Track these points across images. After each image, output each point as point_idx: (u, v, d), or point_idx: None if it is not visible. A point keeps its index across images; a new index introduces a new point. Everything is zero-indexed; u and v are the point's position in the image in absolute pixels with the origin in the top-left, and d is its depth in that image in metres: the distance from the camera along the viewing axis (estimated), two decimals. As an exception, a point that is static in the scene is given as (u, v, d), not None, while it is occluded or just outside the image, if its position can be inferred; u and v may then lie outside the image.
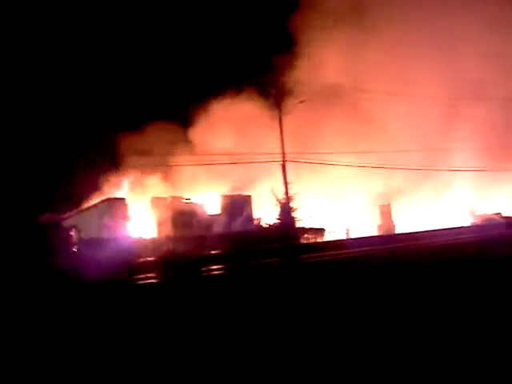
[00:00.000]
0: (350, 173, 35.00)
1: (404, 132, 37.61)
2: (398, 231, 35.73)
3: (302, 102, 32.71)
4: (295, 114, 34.39)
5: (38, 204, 28.49)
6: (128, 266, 19.61)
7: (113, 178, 33.45)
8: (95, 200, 31.07)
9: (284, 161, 32.13)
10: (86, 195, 32.62)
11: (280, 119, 32.04)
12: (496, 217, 37.34)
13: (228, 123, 36.71)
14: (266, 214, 33.15)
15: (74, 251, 25.34)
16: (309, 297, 9.60)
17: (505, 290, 8.20)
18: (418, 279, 10.57)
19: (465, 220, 38.11)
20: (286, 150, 31.90)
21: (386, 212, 37.33)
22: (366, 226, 36.00)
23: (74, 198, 31.21)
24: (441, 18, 38.38)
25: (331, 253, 21.75)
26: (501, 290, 8.30)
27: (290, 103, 33.96)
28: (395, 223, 37.24)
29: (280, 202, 31.89)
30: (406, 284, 10.12)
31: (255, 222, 32.66)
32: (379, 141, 35.96)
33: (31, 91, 32.08)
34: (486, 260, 12.82)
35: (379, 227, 36.71)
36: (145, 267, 19.35)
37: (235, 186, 34.52)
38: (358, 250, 20.89)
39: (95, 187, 33.64)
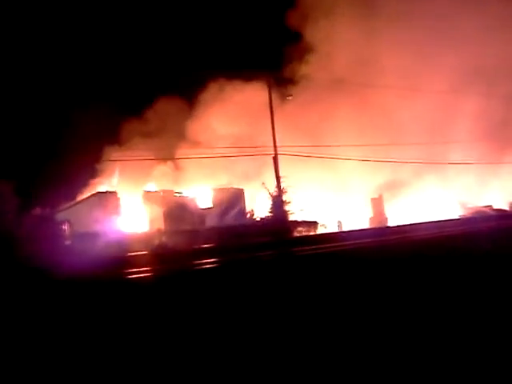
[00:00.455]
0: (344, 166, 35.29)
1: (402, 125, 37.89)
2: (389, 224, 35.92)
3: (290, 95, 32.88)
4: (299, 106, 34.72)
5: (30, 196, 28.38)
6: (117, 260, 19.62)
7: (105, 171, 33.44)
8: (86, 194, 31.05)
9: (276, 154, 32.22)
10: (78, 188, 32.61)
11: (271, 111, 32.03)
12: (486, 209, 37.61)
13: (228, 113, 36.86)
14: (260, 207, 33.27)
15: (67, 245, 25.39)
16: (301, 289, 9.66)
17: (479, 283, 8.30)
18: (396, 273, 10.68)
19: (456, 213, 38.35)
20: (290, 143, 31.92)
21: (377, 205, 37.55)
22: (359, 219, 36.23)
23: (65, 191, 31.15)
24: (446, 16, 38.57)
25: (322, 246, 21.84)
26: (475, 283, 8.41)
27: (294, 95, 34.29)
28: (387, 216, 37.43)
29: (272, 196, 31.97)
30: (386, 277, 10.22)
31: (248, 216, 32.72)
32: (378, 134, 36.25)
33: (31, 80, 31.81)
34: (469, 253, 12.94)
35: (371, 220, 36.91)
36: (135, 261, 19.36)
37: (231, 180, 34.60)
38: (347, 242, 21.01)
39: (87, 180, 33.66)
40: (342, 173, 35.64)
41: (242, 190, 33.96)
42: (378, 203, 37.65)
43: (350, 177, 36.56)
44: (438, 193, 39.37)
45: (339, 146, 32.74)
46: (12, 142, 29.54)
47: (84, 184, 32.75)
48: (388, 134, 36.39)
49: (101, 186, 32.85)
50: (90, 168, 33.35)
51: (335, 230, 34.27)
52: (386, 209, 37.93)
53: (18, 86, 31.16)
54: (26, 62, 31.94)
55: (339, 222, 35.16)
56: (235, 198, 33.09)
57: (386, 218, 37.11)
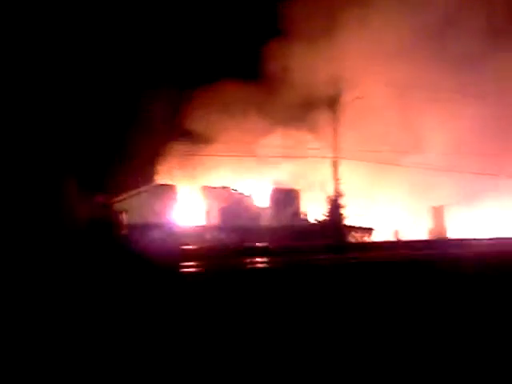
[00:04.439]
0: (404, 173, 34.29)
1: (469, 135, 36.43)
2: (449, 236, 34.58)
3: (359, 98, 31.89)
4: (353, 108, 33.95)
5: (92, 185, 29.20)
6: (172, 252, 19.88)
7: (165, 164, 33.96)
8: (146, 185, 31.66)
9: (336, 157, 31.64)
10: (139, 179, 33.23)
11: (335, 115, 31.47)
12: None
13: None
14: (314, 209, 32.90)
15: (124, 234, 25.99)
16: (351, 297, 9.33)
17: None
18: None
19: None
20: (353, 145, 31.37)
21: (438, 215, 36.15)
22: (417, 229, 35.09)
23: (127, 182, 31.83)
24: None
25: (375, 254, 21.26)
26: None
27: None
28: (447, 227, 36.04)
29: (329, 199, 31.49)
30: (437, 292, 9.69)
31: (302, 217, 32.43)
32: (439, 143, 35.13)
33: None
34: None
35: (430, 231, 35.63)
36: (188, 255, 19.53)
37: (286, 179, 34.36)
38: (404, 252, 20.33)
39: (149, 172, 34.24)
40: (406, 180, 34.55)
41: (299, 191, 33.65)
42: (438, 213, 36.28)
43: (414, 185, 35.38)
44: (505, 208, 37.44)
45: (396, 152, 31.76)
46: (76, 130, 30.33)
47: (145, 175, 33.32)
48: (448, 143, 35.06)
49: (161, 177, 33.40)
50: (151, 159, 33.90)
51: (392, 238, 33.37)
52: (448, 220, 36.49)
53: (79, 73, 31.90)
54: (87, 50, 32.61)
55: (396, 230, 34.19)
56: (291, 199, 32.84)
57: (446, 230, 35.72)
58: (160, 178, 33.31)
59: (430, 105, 35.75)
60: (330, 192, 31.50)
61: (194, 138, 33.68)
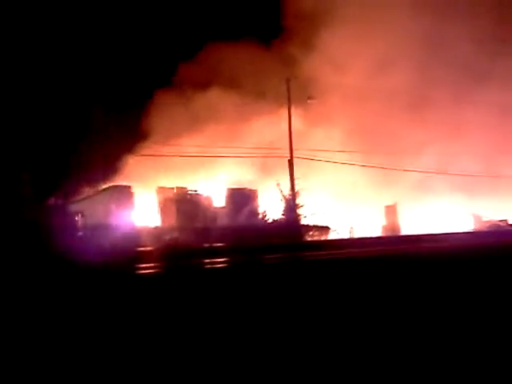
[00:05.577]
0: (358, 172, 35.25)
1: (415, 135, 37.71)
2: (402, 232, 35.75)
3: (310, 98, 32.68)
4: (309, 110, 34.64)
5: (49, 187, 28.75)
6: (128, 254, 19.88)
7: (121, 165, 33.78)
8: (102, 186, 31.45)
9: (292, 157, 32.32)
10: (96, 181, 32.93)
11: (289, 115, 32.15)
12: (502, 223, 37.15)
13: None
14: (272, 208, 33.35)
15: (79, 236, 25.80)
16: (306, 295, 9.68)
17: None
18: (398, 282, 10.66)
19: (470, 225, 37.97)
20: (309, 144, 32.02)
21: (391, 213, 37.35)
22: (372, 226, 36.11)
23: (84, 183, 31.49)
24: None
25: (333, 252, 21.81)
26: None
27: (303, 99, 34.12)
28: (400, 224, 37.24)
29: (285, 198, 32.07)
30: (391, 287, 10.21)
31: (260, 217, 32.84)
32: (392, 142, 36.20)
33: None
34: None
35: (384, 228, 36.77)
36: (145, 256, 19.56)
37: (243, 179, 34.68)
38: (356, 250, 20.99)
39: (107, 173, 33.94)
40: (353, 179, 35.59)
41: (256, 190, 34.04)
42: (391, 211, 37.47)
43: (367, 184, 36.45)
44: (455, 204, 38.97)
45: (352, 152, 32.68)
46: (30, 131, 29.83)
47: (101, 176, 33.07)
48: (398, 143, 36.33)
49: (117, 179, 33.18)
50: (108, 160, 33.60)
51: (347, 236, 34.21)
52: (401, 217, 37.71)
53: (37, 73, 31.39)
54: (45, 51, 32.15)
55: (351, 228, 35.10)
56: (248, 199, 33.20)
57: (399, 227, 36.94)
58: (118, 179, 33.11)
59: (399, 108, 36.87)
60: (287, 191, 32.16)
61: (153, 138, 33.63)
